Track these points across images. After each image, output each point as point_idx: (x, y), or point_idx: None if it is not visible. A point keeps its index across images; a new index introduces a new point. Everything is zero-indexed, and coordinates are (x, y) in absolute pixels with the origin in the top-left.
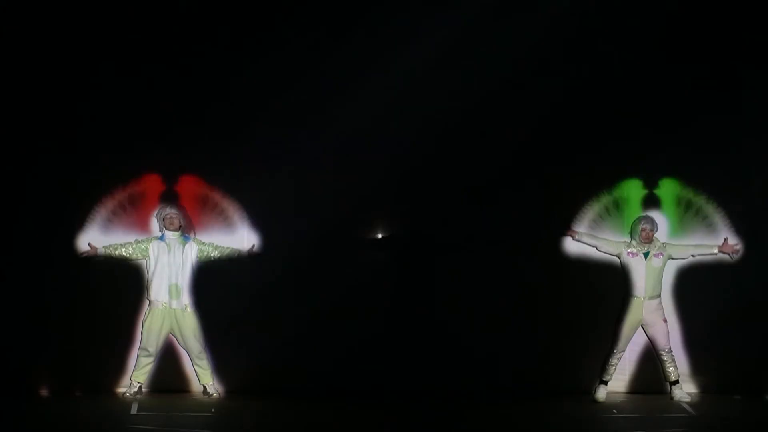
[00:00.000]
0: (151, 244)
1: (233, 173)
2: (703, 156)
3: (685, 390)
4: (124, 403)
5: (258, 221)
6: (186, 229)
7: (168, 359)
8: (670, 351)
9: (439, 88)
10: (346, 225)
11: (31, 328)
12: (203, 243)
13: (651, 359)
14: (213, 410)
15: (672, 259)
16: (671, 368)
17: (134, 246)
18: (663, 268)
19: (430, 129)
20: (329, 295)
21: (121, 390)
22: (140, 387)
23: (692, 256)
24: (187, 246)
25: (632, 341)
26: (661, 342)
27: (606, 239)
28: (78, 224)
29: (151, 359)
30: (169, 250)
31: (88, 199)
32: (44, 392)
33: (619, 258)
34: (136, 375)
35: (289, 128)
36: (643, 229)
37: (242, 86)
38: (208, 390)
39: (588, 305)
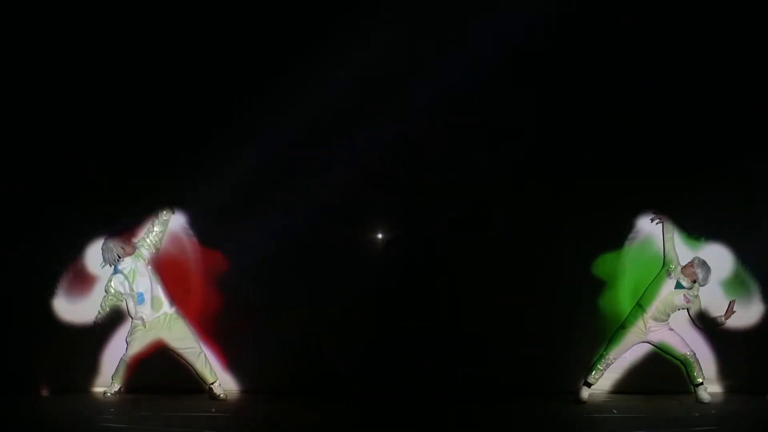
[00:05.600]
0: (115, 288)
1: (238, 173)
2: None
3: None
4: (123, 402)
5: (264, 223)
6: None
7: (168, 359)
8: (693, 354)
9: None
10: (351, 226)
11: (30, 328)
12: (145, 241)
13: (649, 359)
14: (213, 410)
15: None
16: (695, 372)
17: (107, 303)
18: (679, 308)
19: (433, 129)
20: (332, 296)
21: (101, 389)
22: (120, 388)
23: (696, 325)
24: (139, 258)
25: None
26: (680, 348)
27: (673, 246)
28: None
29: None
30: (132, 275)
31: (87, 201)
32: (43, 392)
33: (662, 264)
34: (117, 379)
35: (295, 130)
36: (693, 272)
37: (242, 85)
38: (215, 391)
39: (590, 306)
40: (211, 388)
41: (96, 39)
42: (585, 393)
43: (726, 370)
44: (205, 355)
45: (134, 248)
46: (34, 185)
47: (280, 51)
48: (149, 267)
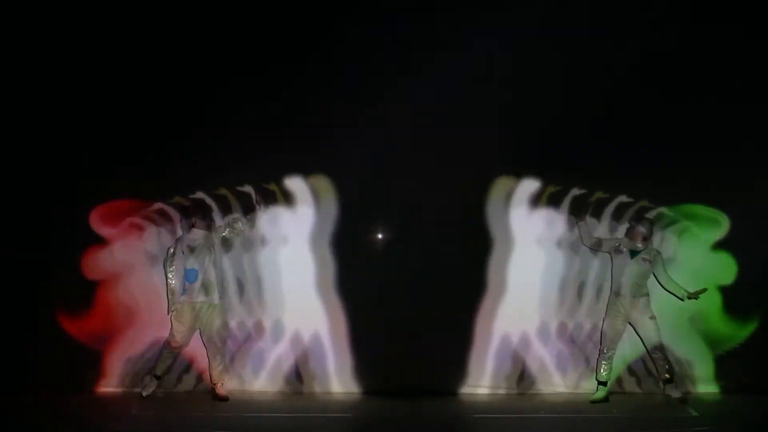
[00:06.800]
0: (177, 248)
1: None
2: None
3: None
4: (123, 402)
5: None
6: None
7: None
8: (662, 348)
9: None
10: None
11: (30, 328)
12: (219, 233)
13: (649, 359)
14: (213, 410)
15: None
16: (664, 366)
17: (171, 266)
18: (650, 271)
19: (434, 128)
20: (333, 296)
21: (138, 390)
22: (159, 383)
23: (662, 287)
24: (211, 239)
25: (630, 341)
26: (651, 339)
27: (603, 238)
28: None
29: (174, 354)
30: (197, 250)
31: (87, 201)
32: (44, 392)
33: (610, 255)
34: (162, 368)
35: (295, 129)
36: (638, 231)
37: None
38: (218, 391)
39: (590, 306)
40: (214, 387)
41: (100, 38)
42: (602, 392)
43: (725, 370)
44: (224, 356)
45: (212, 227)
46: (35, 186)
47: (283, 50)
48: (217, 253)
